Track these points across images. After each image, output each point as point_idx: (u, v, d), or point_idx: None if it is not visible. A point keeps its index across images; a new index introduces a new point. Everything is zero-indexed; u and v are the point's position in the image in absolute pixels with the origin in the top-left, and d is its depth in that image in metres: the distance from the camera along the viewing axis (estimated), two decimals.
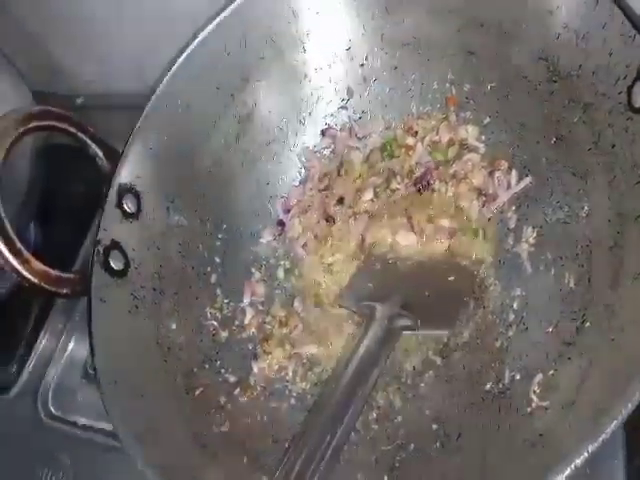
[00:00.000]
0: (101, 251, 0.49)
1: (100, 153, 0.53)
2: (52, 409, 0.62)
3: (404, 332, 0.52)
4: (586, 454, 0.34)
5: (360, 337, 0.51)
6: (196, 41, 0.57)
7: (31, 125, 0.49)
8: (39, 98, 0.70)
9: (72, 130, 0.52)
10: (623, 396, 0.36)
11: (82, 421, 0.60)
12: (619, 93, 0.47)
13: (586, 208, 0.51)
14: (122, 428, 0.42)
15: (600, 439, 0.34)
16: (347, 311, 0.57)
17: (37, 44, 0.85)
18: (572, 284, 0.50)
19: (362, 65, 0.65)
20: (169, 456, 0.44)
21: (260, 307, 0.59)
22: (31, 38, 0.84)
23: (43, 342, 0.66)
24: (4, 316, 0.67)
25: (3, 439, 0.62)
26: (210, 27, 0.58)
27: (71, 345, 0.65)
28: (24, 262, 0.44)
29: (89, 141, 0.53)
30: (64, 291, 0.46)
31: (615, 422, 0.35)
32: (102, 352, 0.44)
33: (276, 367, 0.56)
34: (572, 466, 0.34)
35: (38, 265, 0.45)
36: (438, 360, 0.54)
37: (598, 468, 0.47)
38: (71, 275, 0.47)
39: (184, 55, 0.57)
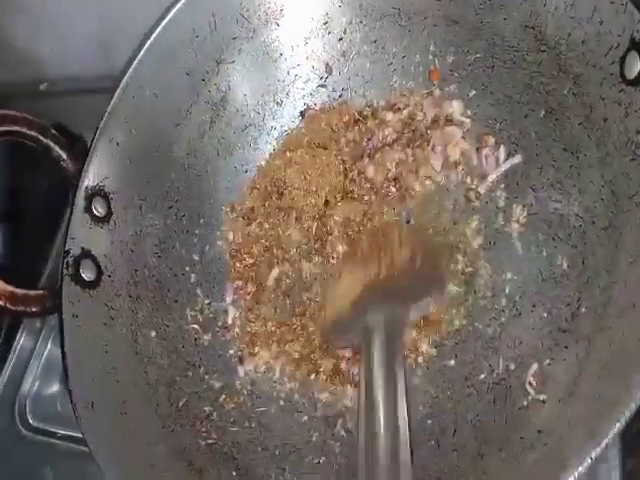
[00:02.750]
0: (70, 262, 0.46)
1: (64, 155, 0.50)
2: (31, 421, 0.60)
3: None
4: (589, 460, 0.33)
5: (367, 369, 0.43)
6: (162, 24, 0.54)
7: None
8: (1, 88, 0.66)
9: (33, 134, 0.49)
10: (624, 396, 0.34)
11: (63, 432, 0.58)
12: (611, 63, 0.44)
13: (577, 186, 0.49)
14: (101, 454, 0.40)
15: (603, 443, 0.33)
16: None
17: None
18: (565, 266, 0.49)
19: (340, 39, 0.62)
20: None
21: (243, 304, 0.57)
22: None
23: (18, 348, 0.63)
24: None
25: None
26: (177, 7, 0.54)
27: (48, 349, 0.62)
28: None
29: (52, 144, 0.50)
30: (32, 310, 0.43)
31: (617, 424, 0.33)
32: (77, 372, 0.42)
33: (263, 368, 0.54)
34: (575, 474, 0.32)
35: (1, 285, 0.42)
36: (432, 351, 0.53)
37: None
38: (39, 292, 0.45)
39: (149, 41, 0.54)
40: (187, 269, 0.57)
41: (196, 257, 0.58)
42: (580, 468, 0.33)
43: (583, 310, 0.45)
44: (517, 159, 0.54)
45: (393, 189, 0.58)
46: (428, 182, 0.58)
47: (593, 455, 0.33)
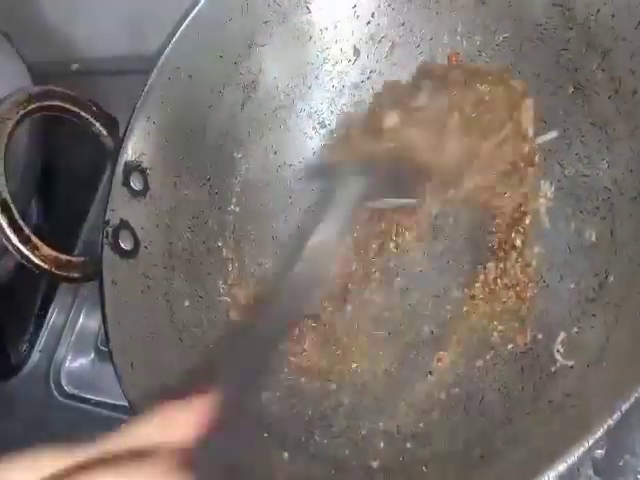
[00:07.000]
0: (110, 232, 0.48)
1: (104, 131, 0.52)
2: (66, 388, 0.62)
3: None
4: (619, 413, 0.33)
5: None
6: (197, 7, 0.55)
7: (31, 107, 0.48)
8: (35, 69, 0.68)
9: (75, 109, 0.51)
10: None
11: (98, 398, 0.60)
12: None
13: (606, 159, 0.49)
14: (141, 411, 0.41)
15: (632, 397, 0.33)
16: None
17: (26, 7, 0.82)
18: (594, 238, 0.49)
19: (368, 23, 0.62)
20: None
21: None
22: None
23: (52, 318, 0.65)
24: (11, 295, 0.65)
25: (18, 421, 0.61)
26: None
27: (81, 320, 0.64)
28: (33, 248, 0.43)
29: (92, 119, 0.51)
30: (75, 275, 0.45)
31: None
32: (117, 335, 0.44)
33: (293, 339, 0.55)
34: (604, 426, 0.32)
35: (47, 250, 0.44)
36: None
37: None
38: (81, 258, 0.46)
39: (185, 23, 0.55)
40: (220, 244, 0.59)
41: (228, 234, 0.59)
42: (610, 421, 0.33)
43: (611, 279, 0.45)
44: (544, 137, 0.54)
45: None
46: None
47: (623, 408, 0.33)
